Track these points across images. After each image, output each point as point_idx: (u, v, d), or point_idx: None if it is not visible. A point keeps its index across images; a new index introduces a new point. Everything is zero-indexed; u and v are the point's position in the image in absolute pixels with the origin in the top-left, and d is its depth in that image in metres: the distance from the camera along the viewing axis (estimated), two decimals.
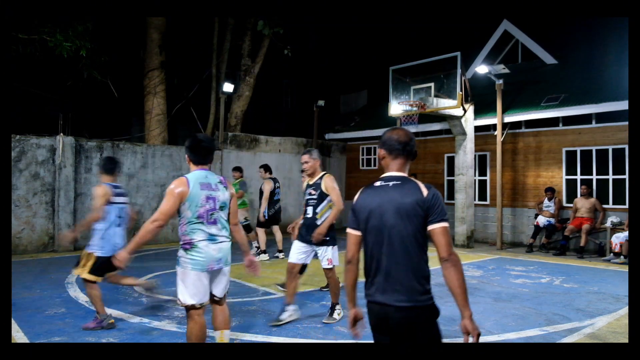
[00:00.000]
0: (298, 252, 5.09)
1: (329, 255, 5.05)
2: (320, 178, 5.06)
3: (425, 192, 2.28)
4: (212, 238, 3.33)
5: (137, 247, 3.27)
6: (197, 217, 3.29)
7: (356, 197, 2.44)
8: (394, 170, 2.40)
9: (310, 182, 5.12)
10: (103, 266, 4.61)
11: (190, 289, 3.29)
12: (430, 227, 2.26)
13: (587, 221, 9.63)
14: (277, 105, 19.10)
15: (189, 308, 3.34)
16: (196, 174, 3.39)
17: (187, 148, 3.47)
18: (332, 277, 5.10)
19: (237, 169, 9.61)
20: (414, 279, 2.24)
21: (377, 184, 2.39)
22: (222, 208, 3.41)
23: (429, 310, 2.26)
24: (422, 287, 2.26)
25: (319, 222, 4.97)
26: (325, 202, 5.00)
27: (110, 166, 4.80)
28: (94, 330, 4.53)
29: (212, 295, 3.47)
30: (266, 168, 9.00)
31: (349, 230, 2.43)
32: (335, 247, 5.13)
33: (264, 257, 8.80)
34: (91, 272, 4.60)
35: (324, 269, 5.14)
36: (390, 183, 2.34)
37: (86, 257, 4.64)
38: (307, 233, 5.04)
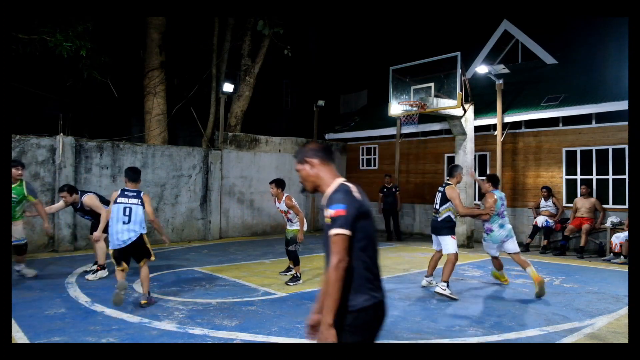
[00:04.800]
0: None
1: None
2: None
3: None
4: None
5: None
6: None
7: (357, 195, 2.25)
8: (340, 177, 2.37)
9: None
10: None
11: None
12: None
13: (587, 221, 9.63)
14: (277, 105, 19.09)
15: None
16: None
17: None
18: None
19: (15, 162, 6.67)
20: None
21: (354, 187, 2.29)
22: None
23: None
24: None
25: None
26: None
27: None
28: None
29: None
30: (65, 189, 7.17)
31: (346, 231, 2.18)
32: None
33: (103, 273, 7.02)
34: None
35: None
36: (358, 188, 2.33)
37: None
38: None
